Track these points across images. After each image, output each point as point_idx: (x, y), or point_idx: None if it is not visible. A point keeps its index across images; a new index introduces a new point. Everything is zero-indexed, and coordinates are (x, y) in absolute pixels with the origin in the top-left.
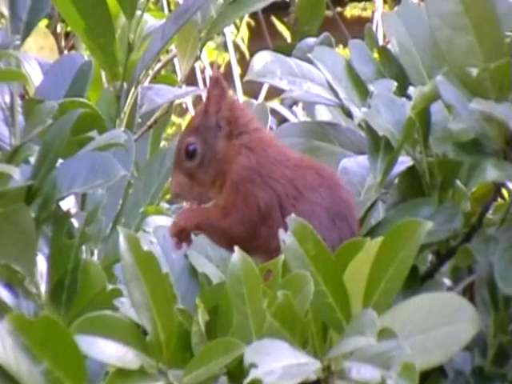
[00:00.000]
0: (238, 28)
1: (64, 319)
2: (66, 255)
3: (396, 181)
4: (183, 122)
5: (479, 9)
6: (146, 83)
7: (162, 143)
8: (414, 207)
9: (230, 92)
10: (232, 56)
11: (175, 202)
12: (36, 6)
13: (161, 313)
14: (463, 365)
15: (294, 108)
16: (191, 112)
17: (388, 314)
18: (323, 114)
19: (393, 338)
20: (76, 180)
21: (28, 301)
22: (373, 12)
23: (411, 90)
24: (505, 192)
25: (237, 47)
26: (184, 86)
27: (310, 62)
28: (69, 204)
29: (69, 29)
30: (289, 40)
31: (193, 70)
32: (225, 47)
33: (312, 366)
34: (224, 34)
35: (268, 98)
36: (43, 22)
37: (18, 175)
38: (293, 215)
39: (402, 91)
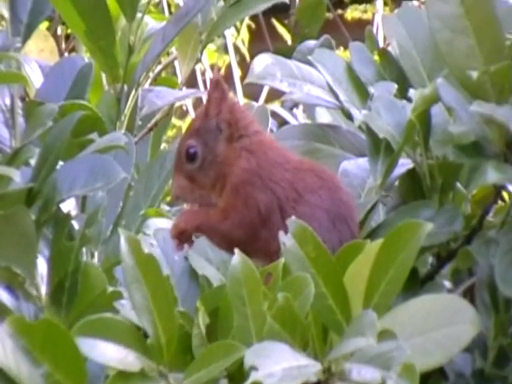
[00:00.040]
0: (238, 30)
1: (64, 321)
2: (66, 257)
3: (396, 183)
4: (184, 125)
5: (479, 11)
6: (147, 85)
7: (163, 146)
8: (415, 209)
9: (231, 94)
10: (232, 58)
11: (176, 205)
12: (36, 9)
13: (161, 315)
14: (464, 367)
15: (295, 110)
16: (191, 114)
17: (388, 316)
18: (323, 117)
19: (393, 339)
20: (76, 182)
21: (28, 303)
22: (373, 14)
23: (411, 92)
24: (505, 194)
25: (237, 49)
26: (184, 89)
27: (310, 64)
28: (69, 206)
29: (69, 31)
30: (289, 42)
31: (193, 72)
32: (225, 49)
33: (312, 367)
34: (224, 37)
35: (268, 100)
36: (44, 25)
37: (19, 177)
38: (293, 217)
39: (402, 93)
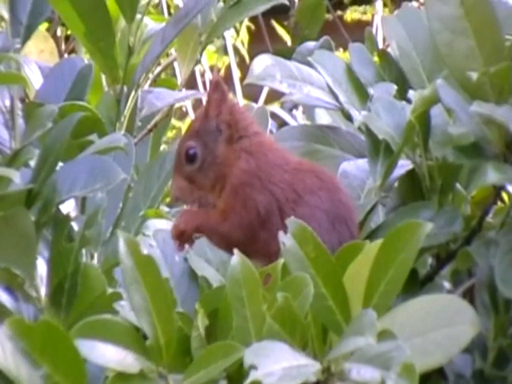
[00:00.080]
0: (237, 31)
1: (64, 323)
2: (65, 259)
3: (396, 184)
4: (183, 126)
5: (479, 13)
6: (146, 87)
7: (162, 147)
8: (414, 211)
9: (230, 96)
10: (232, 59)
11: (175, 206)
12: (36, 10)
13: (161, 317)
14: (464, 368)
15: (294, 111)
16: (191, 115)
17: (388, 316)
18: (323, 118)
19: (392, 339)
20: (76, 183)
21: (28, 304)
22: (373, 15)
23: (411, 93)
24: (505, 196)
25: (237, 51)
26: (184, 90)
27: (310, 65)
28: (69, 207)
29: (69, 32)
30: (289, 43)
31: (193, 73)
32: (225, 50)
33: (312, 367)
34: (224, 38)
35: (268, 101)
36: (43, 26)
37: (18, 179)
38: (292, 217)
39: (401, 95)
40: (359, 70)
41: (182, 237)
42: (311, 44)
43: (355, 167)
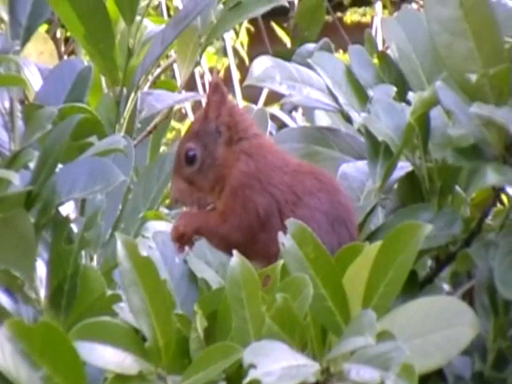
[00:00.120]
0: (237, 33)
1: (63, 324)
2: (65, 260)
3: (395, 186)
4: (183, 127)
5: (479, 14)
6: (146, 88)
7: (162, 148)
8: (414, 212)
9: (230, 97)
10: (231, 61)
11: (174, 208)
12: (36, 11)
13: (159, 318)
14: (463, 369)
15: (294, 113)
16: (191, 117)
17: (387, 318)
18: (323, 119)
19: (392, 340)
20: (75, 185)
21: (27, 306)
22: (372, 17)
23: (411, 95)
24: (504, 198)
25: (236, 52)
26: (183, 92)
27: (309, 67)
28: (68, 209)
29: (68, 34)
30: (289, 45)
31: (192, 75)
32: (224, 52)
33: (311, 367)
34: (223, 39)
35: (267, 103)
36: (43, 28)
37: (18, 180)
38: (292, 218)
39: (401, 96)
40: (359, 72)
41: (182, 239)
42: (311, 46)
43: (355, 169)
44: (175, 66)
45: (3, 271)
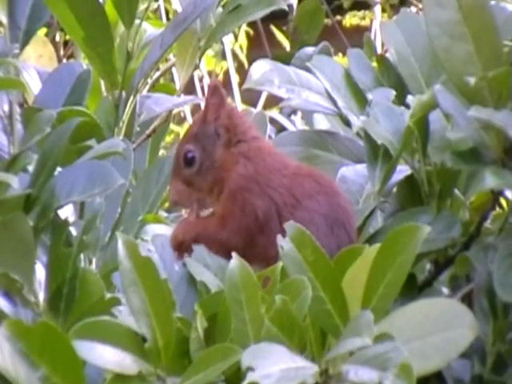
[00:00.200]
0: (236, 36)
1: (62, 328)
2: (64, 264)
3: (394, 189)
4: (182, 131)
5: (478, 18)
6: (145, 92)
7: (161, 152)
8: (413, 216)
9: (229, 100)
10: (230, 64)
11: (174, 211)
12: (35, 15)
13: (159, 319)
14: (463, 373)
15: (293, 117)
16: (189, 121)
17: (386, 320)
18: (321, 123)
19: (390, 341)
20: (74, 188)
21: (26, 309)
22: (371, 21)
23: (410, 98)
24: (503, 201)
25: (235, 56)
26: (182, 95)
27: (308, 70)
28: (67, 212)
29: (68, 37)
30: (288, 49)
31: (191, 78)
32: (223, 56)
33: (310, 369)
34: (222, 43)
35: (267, 106)
36: (42, 31)
37: (17, 184)
38: (291, 221)
39: (400, 100)
40: (358, 76)
41: (181, 247)
42: (310, 49)
43: (354, 172)
44: (174, 69)
45: (2, 274)
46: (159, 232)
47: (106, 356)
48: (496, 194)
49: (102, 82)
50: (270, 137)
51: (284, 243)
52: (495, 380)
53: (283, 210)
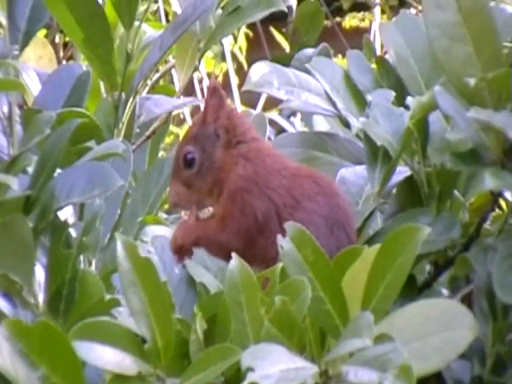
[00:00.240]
0: (235, 38)
1: (62, 329)
2: (63, 265)
3: (394, 191)
4: (181, 132)
5: (477, 19)
6: (144, 93)
7: (161, 153)
8: (412, 217)
9: (228, 101)
10: (230, 66)
11: (173, 212)
12: (34, 16)
13: (159, 319)
14: (462, 374)
15: (292, 118)
16: (189, 122)
17: (386, 321)
18: (321, 125)
19: (390, 342)
20: (74, 190)
21: (26, 311)
22: (371, 22)
23: (409, 100)
24: (503, 203)
25: (235, 57)
26: (182, 97)
27: (308, 72)
28: (67, 214)
29: (67, 39)
30: (287, 50)
31: (191, 80)
32: (222, 57)
33: (309, 370)
34: (222, 44)
35: (266, 108)
36: (42, 32)
37: (16, 185)
38: (291, 221)
39: (400, 101)
40: (357, 77)
41: (181, 251)
42: (309, 51)
43: (353, 174)
44: (174, 70)
45: (2, 276)
46: (159, 233)
47: (106, 356)
48: (495, 196)
49: (102, 84)
50: (269, 138)
51: (284, 243)
52: (495, 381)
53: (283, 211)
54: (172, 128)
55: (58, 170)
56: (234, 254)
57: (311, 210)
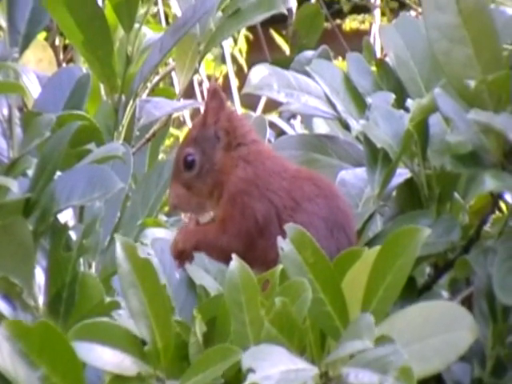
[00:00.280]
0: (235, 40)
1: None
2: (63, 268)
3: (394, 193)
4: (181, 134)
5: (477, 21)
6: (144, 96)
7: (160, 156)
8: (412, 219)
9: (229, 103)
10: (230, 68)
11: (173, 215)
12: (34, 19)
13: (158, 321)
14: (462, 376)
15: (292, 121)
16: (189, 125)
17: (386, 322)
18: (321, 127)
19: (390, 344)
20: (74, 193)
21: (26, 313)
22: (371, 25)
23: (409, 102)
24: (503, 205)
25: (235, 60)
26: (182, 99)
27: (308, 74)
28: (67, 216)
29: (67, 41)
30: (287, 53)
31: (191, 82)
32: (223, 60)
33: (310, 371)
34: (222, 47)
35: (266, 110)
36: (42, 35)
37: (16, 188)
38: (291, 223)
39: (399, 104)
40: (357, 80)
41: (182, 256)
42: (309, 53)
43: (353, 176)
44: (174, 73)
45: (2, 278)
46: (159, 236)
47: (106, 357)
48: (495, 198)
49: (102, 86)
50: (269, 141)
51: (284, 245)
52: (495, 383)
53: (283, 213)
54: (172, 130)
55: (58, 173)
56: (234, 256)
57: (311, 212)
